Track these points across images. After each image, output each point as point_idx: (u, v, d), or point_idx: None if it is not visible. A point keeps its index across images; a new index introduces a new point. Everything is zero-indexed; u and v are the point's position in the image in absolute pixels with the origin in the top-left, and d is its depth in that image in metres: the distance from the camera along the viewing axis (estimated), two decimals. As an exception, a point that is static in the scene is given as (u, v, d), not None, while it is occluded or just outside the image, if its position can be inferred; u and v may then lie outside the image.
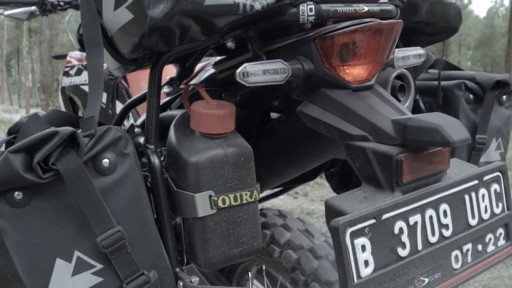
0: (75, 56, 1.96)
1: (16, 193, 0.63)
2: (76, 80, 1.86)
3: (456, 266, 0.68)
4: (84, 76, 1.82)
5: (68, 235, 0.65)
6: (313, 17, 0.70)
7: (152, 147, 0.77)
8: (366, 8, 0.74)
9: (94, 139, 0.65)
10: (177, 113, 0.87)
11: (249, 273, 1.20)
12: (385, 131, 0.66)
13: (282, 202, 3.51)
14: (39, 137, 0.61)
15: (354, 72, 0.72)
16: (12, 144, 0.72)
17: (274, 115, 1.14)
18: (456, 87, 1.03)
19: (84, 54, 1.94)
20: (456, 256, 0.68)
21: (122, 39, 0.70)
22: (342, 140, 0.69)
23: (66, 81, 1.95)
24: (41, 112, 0.76)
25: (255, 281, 1.21)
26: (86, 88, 1.81)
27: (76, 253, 0.65)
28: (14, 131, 0.75)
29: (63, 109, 2.04)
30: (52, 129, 0.62)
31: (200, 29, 0.67)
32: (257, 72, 0.68)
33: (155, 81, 0.76)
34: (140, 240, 0.69)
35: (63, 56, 2.16)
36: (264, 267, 1.15)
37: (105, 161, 0.66)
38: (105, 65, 1.89)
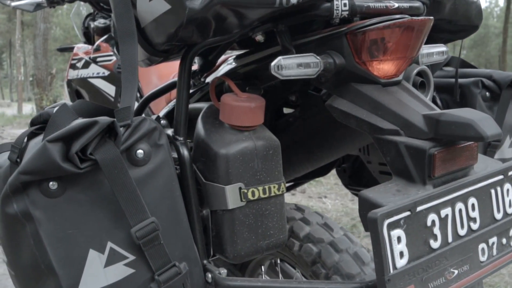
0: (82, 49, 1.95)
1: (51, 183, 0.63)
2: (84, 73, 1.84)
3: (482, 258, 0.69)
4: (92, 69, 1.81)
5: (101, 226, 0.65)
6: (347, 12, 0.71)
7: (181, 139, 0.77)
8: (396, 5, 0.74)
9: (130, 129, 0.65)
10: (201, 105, 0.87)
11: (262, 267, 1.20)
12: (416, 125, 0.67)
13: (281, 198, 3.51)
14: (78, 127, 0.61)
15: (384, 68, 0.72)
16: (34, 136, 0.72)
17: (286, 110, 1.14)
18: (473, 85, 1.04)
19: (90, 47, 1.93)
20: (483, 249, 0.70)
21: (157, 30, 0.70)
22: (373, 134, 0.70)
23: (72, 74, 1.93)
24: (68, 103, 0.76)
25: (266, 276, 1.21)
26: (93, 81, 1.79)
27: (109, 244, 0.65)
28: (38, 122, 0.75)
29: (68, 101, 2.02)
30: (91, 118, 0.62)
31: (235, 21, 0.67)
32: (291, 65, 0.68)
33: (185, 73, 0.77)
34: (172, 232, 0.69)
35: (69, 49, 2.14)
36: (278, 261, 1.15)
37: (140, 152, 0.67)
38: (114, 57, 1.85)
